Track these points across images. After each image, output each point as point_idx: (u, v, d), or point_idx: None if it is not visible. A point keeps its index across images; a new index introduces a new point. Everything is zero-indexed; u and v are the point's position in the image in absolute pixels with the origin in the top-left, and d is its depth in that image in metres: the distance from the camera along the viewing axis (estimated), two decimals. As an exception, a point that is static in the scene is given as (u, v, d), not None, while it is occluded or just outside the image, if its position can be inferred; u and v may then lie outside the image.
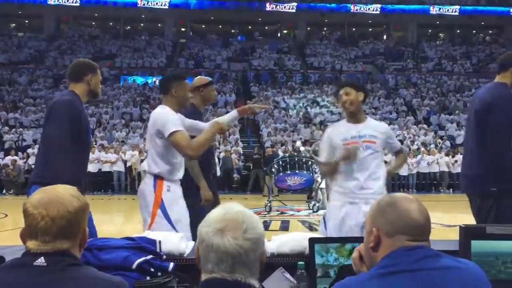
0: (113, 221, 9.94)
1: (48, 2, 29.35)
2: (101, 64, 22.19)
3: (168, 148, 3.10)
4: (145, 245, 2.12)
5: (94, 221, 2.96)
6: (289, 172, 10.08)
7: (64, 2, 29.48)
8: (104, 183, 15.94)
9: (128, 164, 15.86)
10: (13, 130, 18.90)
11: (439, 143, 18.86)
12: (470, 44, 32.16)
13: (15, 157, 16.18)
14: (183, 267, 2.09)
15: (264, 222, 9.01)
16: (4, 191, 15.73)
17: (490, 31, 34.03)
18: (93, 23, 32.91)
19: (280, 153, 15.21)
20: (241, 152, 17.73)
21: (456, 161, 16.13)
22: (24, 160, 16.29)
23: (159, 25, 32.45)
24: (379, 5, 30.99)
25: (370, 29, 34.61)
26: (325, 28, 34.50)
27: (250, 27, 33.96)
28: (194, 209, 3.28)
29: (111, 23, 33.19)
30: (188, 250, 2.32)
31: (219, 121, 3.37)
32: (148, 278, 1.97)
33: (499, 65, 3.14)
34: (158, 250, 2.17)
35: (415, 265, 1.33)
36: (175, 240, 2.29)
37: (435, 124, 21.39)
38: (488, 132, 2.96)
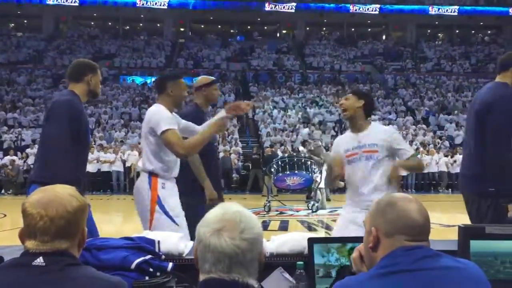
0: (112, 221, 9.93)
1: (47, 2, 29.29)
2: (100, 64, 22.08)
3: (161, 146, 3.11)
4: (144, 245, 2.12)
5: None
6: (288, 172, 10.09)
7: (63, 2, 29.43)
8: (103, 183, 15.96)
9: (128, 164, 15.86)
10: (12, 130, 18.89)
11: (438, 143, 18.86)
12: (469, 44, 32.19)
13: (14, 157, 16.19)
14: (182, 267, 2.08)
15: (263, 222, 9.01)
16: (3, 191, 15.72)
17: (489, 31, 34.08)
18: (92, 23, 32.89)
19: (279, 153, 15.20)
20: (240, 152, 17.73)
21: (455, 161, 16.17)
22: (23, 160, 16.30)
23: (158, 25, 32.43)
24: (378, 5, 31.01)
25: (369, 29, 34.63)
26: (324, 28, 34.52)
27: (249, 27, 33.94)
28: (194, 208, 3.28)
29: (110, 23, 33.18)
30: (187, 250, 2.31)
31: (211, 122, 3.37)
32: (147, 278, 1.96)
33: (500, 65, 3.13)
34: (157, 250, 2.16)
35: (415, 265, 1.33)
36: (174, 240, 2.29)
37: (434, 124, 21.39)
38: (488, 132, 2.95)
